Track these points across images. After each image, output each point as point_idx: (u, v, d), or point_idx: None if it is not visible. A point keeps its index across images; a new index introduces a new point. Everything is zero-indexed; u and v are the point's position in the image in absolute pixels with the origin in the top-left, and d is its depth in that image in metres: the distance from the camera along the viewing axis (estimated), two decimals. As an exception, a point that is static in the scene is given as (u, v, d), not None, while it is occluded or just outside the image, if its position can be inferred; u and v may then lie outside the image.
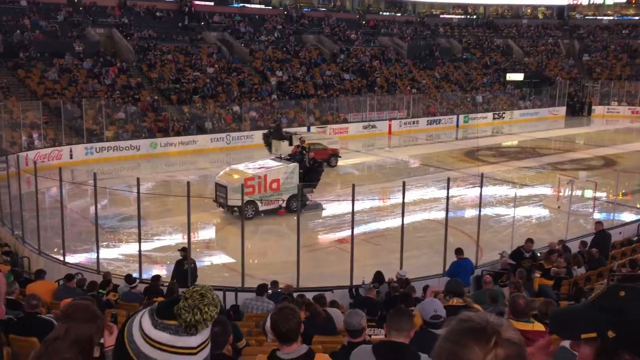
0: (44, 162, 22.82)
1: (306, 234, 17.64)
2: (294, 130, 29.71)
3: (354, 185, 13.14)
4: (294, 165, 20.09)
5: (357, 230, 15.32)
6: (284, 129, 29.21)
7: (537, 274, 12.10)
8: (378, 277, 12.48)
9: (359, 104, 39.37)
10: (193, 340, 2.06)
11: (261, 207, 19.27)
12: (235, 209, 18.53)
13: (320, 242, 17.90)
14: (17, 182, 16.79)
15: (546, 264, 12.64)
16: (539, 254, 13.78)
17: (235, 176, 19.34)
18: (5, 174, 18.37)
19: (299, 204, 15.57)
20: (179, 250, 13.69)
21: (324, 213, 20.25)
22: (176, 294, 8.95)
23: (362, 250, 15.04)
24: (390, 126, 39.25)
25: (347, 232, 15.32)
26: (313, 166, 21.24)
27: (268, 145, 28.23)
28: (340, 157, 28.34)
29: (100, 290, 11.02)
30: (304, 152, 22.15)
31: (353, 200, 13.15)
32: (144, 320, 2.10)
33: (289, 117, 35.72)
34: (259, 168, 20.04)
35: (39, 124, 27.76)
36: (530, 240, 13.81)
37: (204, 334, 2.10)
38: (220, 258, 16.59)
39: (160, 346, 2.08)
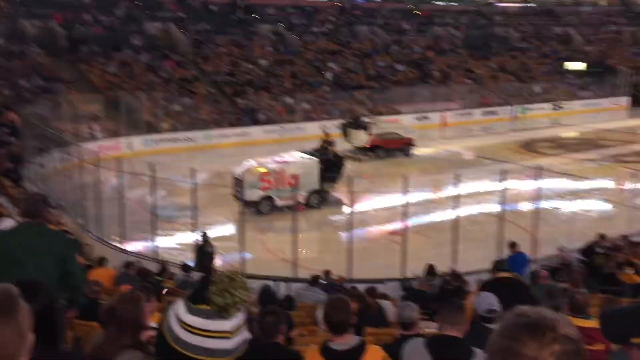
0: (104, 153, 22.53)
1: (326, 228, 19.62)
2: (373, 119, 30.22)
3: (406, 177, 13.89)
4: (314, 161, 20.20)
5: (409, 222, 15.75)
6: (362, 118, 29.68)
7: (630, 270, 11.58)
8: (430, 270, 12.63)
9: (412, 95, 39.09)
10: (227, 324, 2.14)
11: (279, 202, 19.27)
12: (252, 204, 18.94)
13: (371, 234, 18.25)
14: (79, 173, 17.66)
15: (633, 258, 11.96)
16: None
17: (253, 170, 19.62)
18: (68, 165, 19.23)
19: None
20: (200, 235, 14.56)
21: (377, 204, 20.21)
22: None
23: (413, 243, 15.26)
24: (443, 117, 38.85)
25: (399, 224, 15.81)
26: (335, 161, 21.45)
27: (345, 134, 28.38)
28: (415, 146, 28.87)
29: (157, 277, 11.49)
30: (327, 146, 22.19)
31: (405, 193, 13.88)
32: (179, 307, 2.17)
33: (341, 109, 35.50)
34: (279, 162, 20.21)
35: (100, 116, 28.84)
36: (603, 236, 13.39)
37: (239, 318, 2.17)
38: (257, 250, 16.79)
39: (195, 330, 2.19)
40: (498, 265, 8.15)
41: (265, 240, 17.74)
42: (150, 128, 30.29)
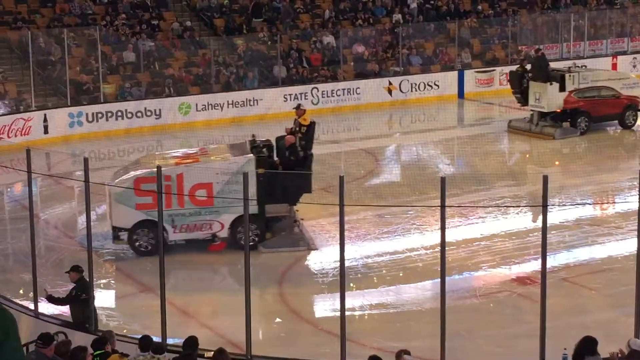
0: (1, 140, 21.12)
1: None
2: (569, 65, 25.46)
3: (546, 178, 9.18)
4: (245, 160, 15.52)
5: (551, 262, 12.92)
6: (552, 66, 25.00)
7: None
8: (588, 345, 8.87)
9: (555, 28, 32.35)
10: None
11: (174, 235, 15.10)
12: (121, 233, 15.48)
13: (487, 283, 14.64)
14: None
15: None
16: None
17: (135, 172, 15.69)
18: None
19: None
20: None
21: (481, 230, 16.43)
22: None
23: (559, 298, 12.63)
24: (615, 67, 31.17)
25: (532, 265, 13.96)
26: (293, 159, 16.22)
27: (520, 92, 23.80)
28: None
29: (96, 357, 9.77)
30: (298, 131, 17.11)
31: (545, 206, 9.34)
32: None
33: (423, 55, 30.07)
34: (182, 160, 16.20)
35: None
36: None
37: None
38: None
39: None
40: None
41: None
42: (82, 94, 25.36)
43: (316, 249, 15.94)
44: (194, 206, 15.25)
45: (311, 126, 17.43)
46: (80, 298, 12.13)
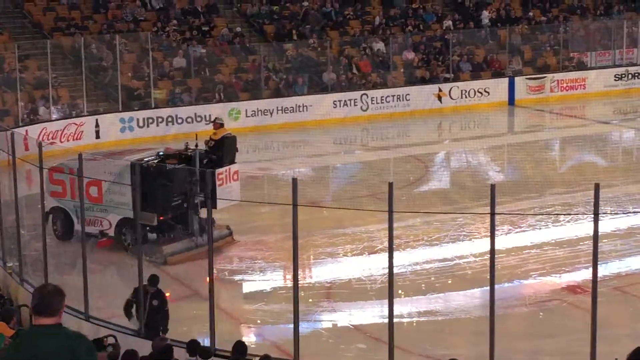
0: (53, 144, 21.08)
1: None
2: None
3: (597, 185, 9.16)
4: (124, 165, 15.26)
5: (603, 271, 12.64)
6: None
7: None
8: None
9: (607, 35, 32.06)
10: None
11: (77, 225, 14.98)
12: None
13: (537, 291, 14.53)
14: (10, 178, 13.94)
15: None
16: None
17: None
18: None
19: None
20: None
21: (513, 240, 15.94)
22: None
23: (612, 308, 12.61)
24: None
25: (583, 274, 13.74)
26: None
27: None
28: None
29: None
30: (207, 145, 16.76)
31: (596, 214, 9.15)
32: None
33: (473, 62, 29.93)
34: (112, 154, 16.99)
35: (47, 78, 24.18)
36: None
37: None
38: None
39: None
40: None
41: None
42: (133, 99, 25.63)
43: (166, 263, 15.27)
44: (89, 202, 15.18)
45: (222, 141, 16.76)
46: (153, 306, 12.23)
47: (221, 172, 15.60)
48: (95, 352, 5.30)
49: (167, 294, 14.95)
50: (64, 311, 4.89)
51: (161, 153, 16.88)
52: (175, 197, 16.02)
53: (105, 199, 15.46)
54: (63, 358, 4.37)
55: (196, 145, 16.56)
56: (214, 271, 12.49)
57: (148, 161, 16.23)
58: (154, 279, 12.11)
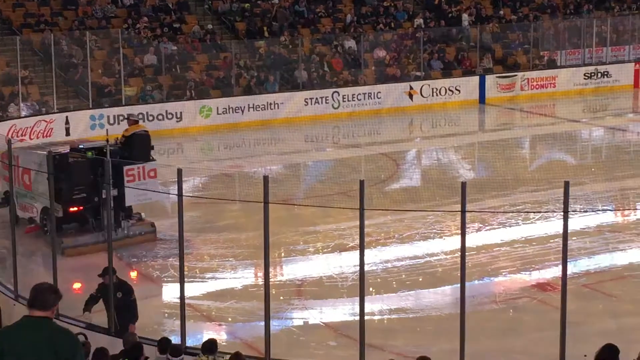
0: (23, 141, 20.59)
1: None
2: None
3: (567, 183, 9.10)
4: (44, 156, 14.94)
5: (572, 268, 13.30)
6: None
7: None
8: (609, 353, 8.18)
9: (577, 33, 32.38)
10: None
11: (18, 210, 15.68)
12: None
13: (507, 289, 14.51)
14: None
15: None
16: None
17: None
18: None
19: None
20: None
21: (503, 235, 16.32)
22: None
23: (581, 305, 12.60)
24: (637, 73, 31.96)
25: (552, 272, 13.66)
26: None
27: None
28: None
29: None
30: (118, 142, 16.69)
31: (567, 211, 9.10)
32: None
33: (444, 60, 30.16)
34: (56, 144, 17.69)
35: (16, 75, 24.21)
36: None
37: None
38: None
39: None
40: None
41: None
42: (103, 96, 25.48)
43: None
44: (23, 189, 15.62)
45: (132, 138, 16.48)
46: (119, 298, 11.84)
47: (132, 168, 15.24)
48: (80, 349, 5.37)
49: (134, 274, 14.97)
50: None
51: (81, 147, 16.67)
52: (76, 190, 15.61)
53: (33, 187, 15.61)
54: (45, 349, 4.60)
55: (115, 141, 16.15)
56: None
57: (63, 153, 16.06)
58: (105, 271, 11.54)
